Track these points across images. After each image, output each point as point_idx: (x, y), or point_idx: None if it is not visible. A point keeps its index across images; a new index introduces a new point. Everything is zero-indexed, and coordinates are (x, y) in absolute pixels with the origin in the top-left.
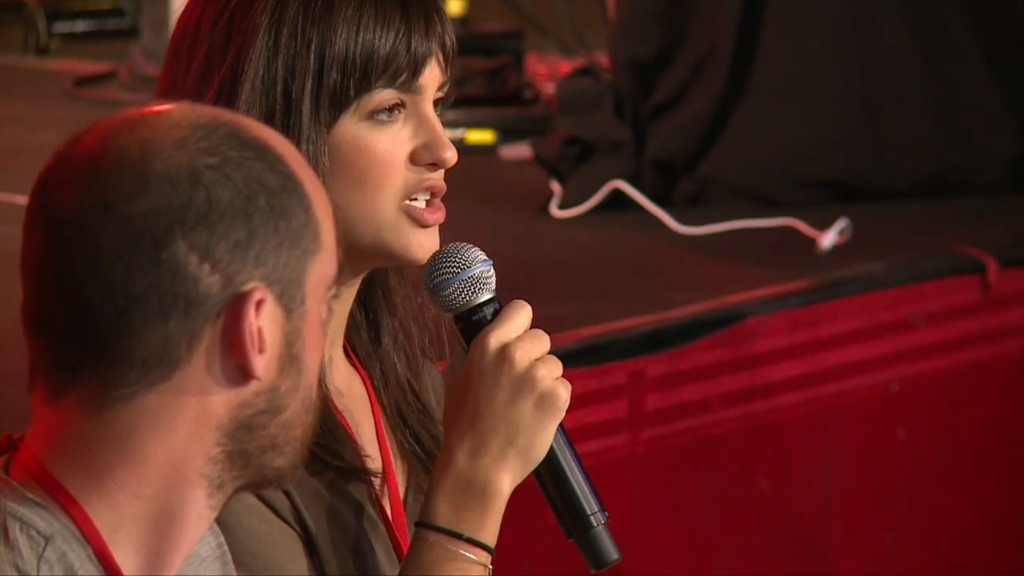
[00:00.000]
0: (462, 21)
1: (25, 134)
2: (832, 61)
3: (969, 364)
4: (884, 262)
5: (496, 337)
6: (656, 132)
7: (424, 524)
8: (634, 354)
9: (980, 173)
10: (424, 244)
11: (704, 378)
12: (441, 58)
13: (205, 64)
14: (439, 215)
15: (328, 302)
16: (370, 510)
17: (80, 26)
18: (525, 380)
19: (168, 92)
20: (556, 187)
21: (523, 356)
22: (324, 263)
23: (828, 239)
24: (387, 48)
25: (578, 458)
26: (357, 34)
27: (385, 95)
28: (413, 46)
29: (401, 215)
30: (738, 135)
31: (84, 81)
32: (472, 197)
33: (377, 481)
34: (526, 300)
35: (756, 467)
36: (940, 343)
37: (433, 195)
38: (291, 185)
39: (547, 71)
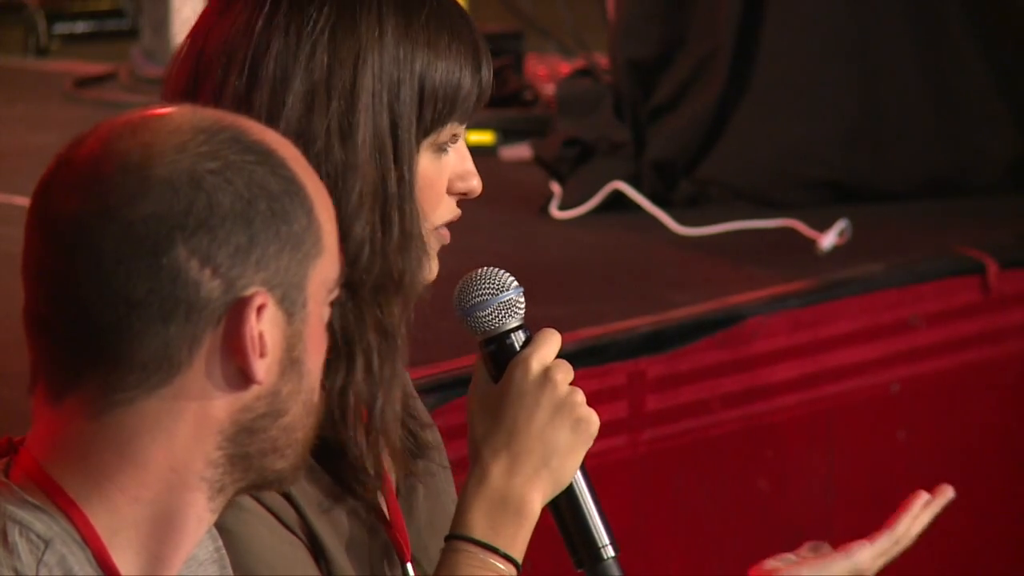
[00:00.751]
0: None
1: (25, 135)
2: (832, 61)
3: (969, 365)
4: (884, 263)
5: (538, 359)
6: (656, 133)
7: (459, 536)
8: (634, 355)
9: (980, 173)
10: (436, 265)
11: (704, 379)
12: None
13: (309, 88)
14: (448, 234)
15: (329, 305)
16: (369, 513)
17: (80, 27)
18: (565, 404)
19: (247, 110)
20: (556, 188)
21: (563, 380)
22: (326, 266)
23: (828, 240)
24: (468, 81)
25: (594, 491)
26: (451, 66)
27: (455, 128)
28: (482, 80)
29: (432, 240)
30: (738, 136)
31: (84, 82)
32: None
33: (372, 483)
34: (525, 301)
35: (756, 468)
36: (940, 344)
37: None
38: (293, 189)
39: (547, 72)
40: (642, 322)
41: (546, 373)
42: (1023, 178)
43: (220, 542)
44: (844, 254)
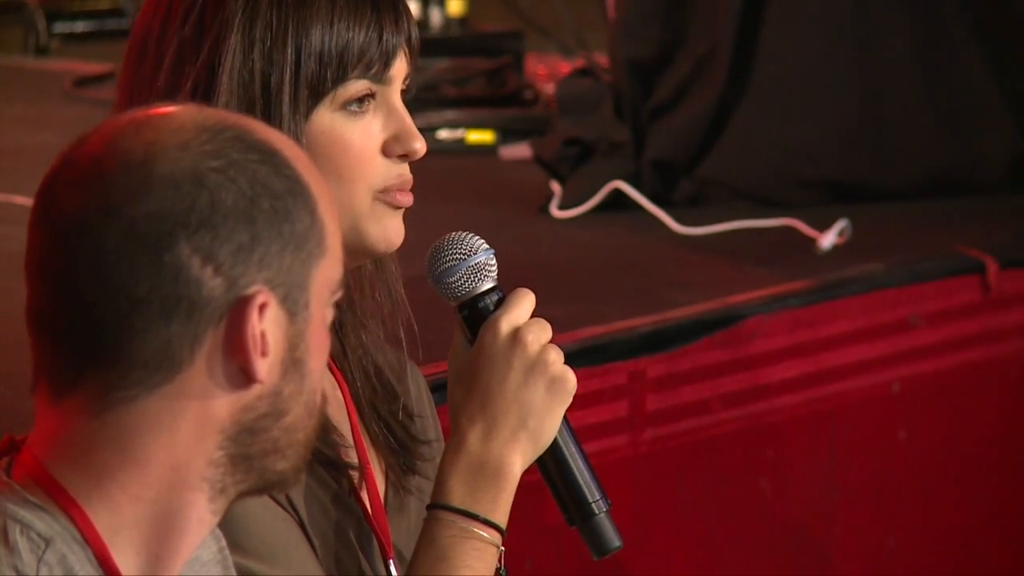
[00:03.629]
0: (462, 21)
1: (25, 135)
2: (832, 61)
3: (969, 365)
4: (884, 263)
5: (507, 321)
6: (656, 132)
7: (438, 505)
8: (634, 355)
9: (980, 173)
10: (399, 230)
11: (704, 379)
12: (407, 51)
13: (177, 60)
14: (410, 197)
15: (332, 306)
16: (352, 504)
17: (80, 26)
18: (537, 363)
19: (135, 93)
20: (556, 187)
21: (534, 340)
22: (329, 267)
23: (828, 239)
24: (361, 39)
25: (580, 447)
26: (331, 25)
27: (359, 85)
28: (384, 37)
29: (377, 204)
30: (738, 135)
31: (84, 81)
32: (472, 197)
33: (356, 477)
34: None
35: (757, 468)
36: (940, 344)
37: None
38: (296, 188)
39: (547, 72)
40: (642, 322)
41: (516, 334)
42: (1023, 178)
43: (223, 543)
44: (844, 254)
